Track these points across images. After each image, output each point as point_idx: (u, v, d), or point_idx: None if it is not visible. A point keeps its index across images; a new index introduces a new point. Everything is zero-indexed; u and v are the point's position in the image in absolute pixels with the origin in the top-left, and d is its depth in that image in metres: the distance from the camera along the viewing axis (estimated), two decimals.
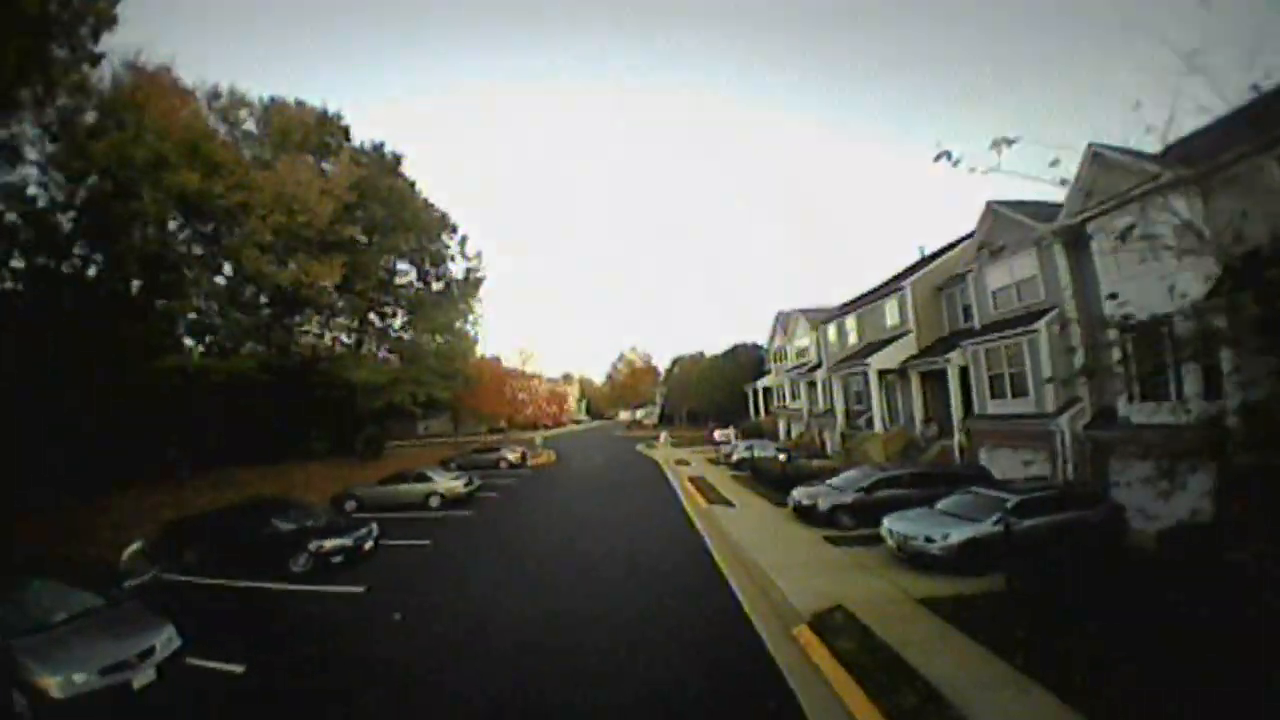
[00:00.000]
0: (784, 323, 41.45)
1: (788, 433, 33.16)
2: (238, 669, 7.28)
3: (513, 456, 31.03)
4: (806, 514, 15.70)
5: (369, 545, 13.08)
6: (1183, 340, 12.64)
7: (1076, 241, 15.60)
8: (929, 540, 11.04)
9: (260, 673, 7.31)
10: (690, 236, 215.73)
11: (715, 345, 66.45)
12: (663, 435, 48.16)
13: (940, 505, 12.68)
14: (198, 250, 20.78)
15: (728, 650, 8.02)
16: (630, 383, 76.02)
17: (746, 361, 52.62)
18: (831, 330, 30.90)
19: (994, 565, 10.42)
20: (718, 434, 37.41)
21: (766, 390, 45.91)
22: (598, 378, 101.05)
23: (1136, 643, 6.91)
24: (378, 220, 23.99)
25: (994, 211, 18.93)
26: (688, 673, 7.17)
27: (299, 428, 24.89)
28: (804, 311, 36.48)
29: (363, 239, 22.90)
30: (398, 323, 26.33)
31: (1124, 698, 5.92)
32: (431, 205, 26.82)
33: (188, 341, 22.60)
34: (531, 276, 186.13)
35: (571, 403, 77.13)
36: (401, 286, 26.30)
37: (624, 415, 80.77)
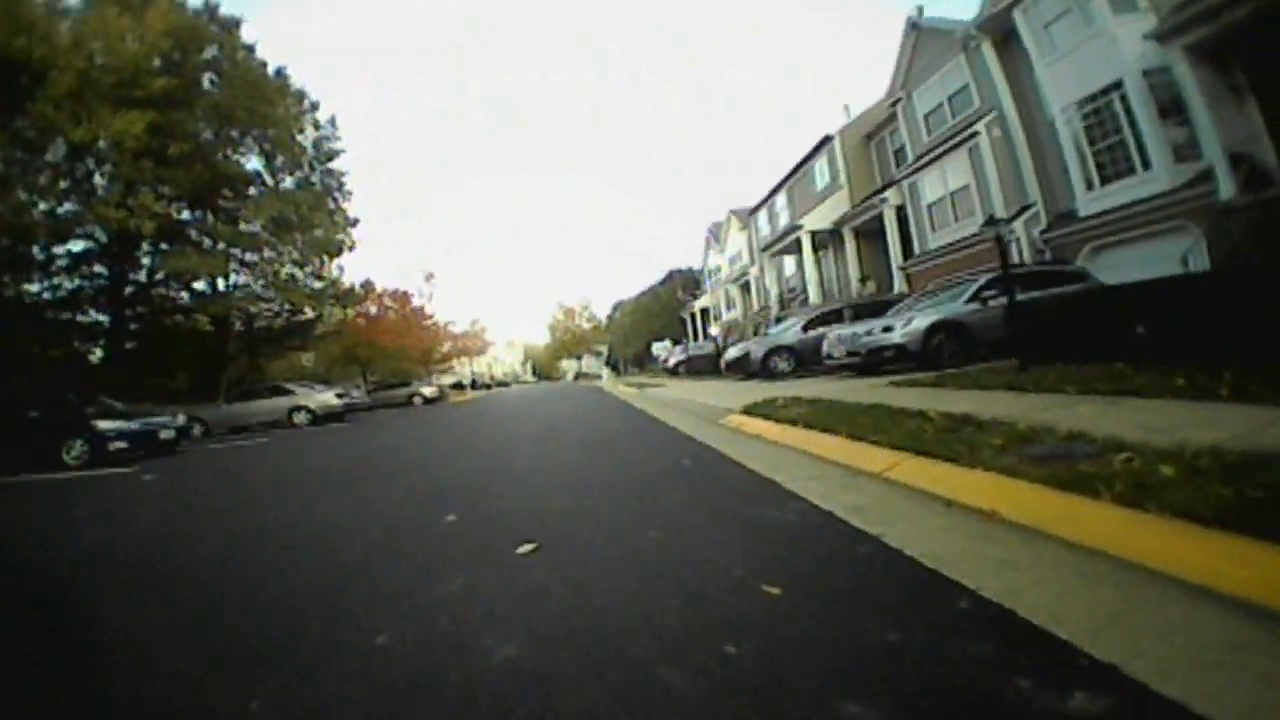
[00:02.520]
0: (715, 233, 38.98)
1: (728, 336, 31.11)
2: None
3: (428, 391, 27.16)
4: (739, 366, 13.23)
5: (167, 435, 10.00)
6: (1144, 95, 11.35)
7: (1005, 39, 14.10)
8: (887, 330, 8.60)
9: None
10: (620, 175, 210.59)
11: (654, 280, 62.65)
12: (605, 373, 45.92)
13: (895, 309, 10.41)
14: None
15: (644, 443, 5.34)
16: (570, 328, 72.19)
17: (683, 286, 50.05)
18: (763, 217, 28.55)
19: (974, 355, 8.14)
20: (655, 346, 34.80)
21: (704, 311, 43.48)
22: (541, 341, 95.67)
23: None
24: (201, 82, 19.45)
25: (914, 25, 16.86)
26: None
27: (153, 361, 20.57)
28: (734, 213, 33.91)
29: (179, 95, 18.10)
30: (252, 227, 21.42)
31: None
32: (278, 74, 21.81)
33: None
34: (467, 250, 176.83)
35: (492, 337, 71.63)
36: (244, 176, 21.35)
37: (567, 366, 76.97)
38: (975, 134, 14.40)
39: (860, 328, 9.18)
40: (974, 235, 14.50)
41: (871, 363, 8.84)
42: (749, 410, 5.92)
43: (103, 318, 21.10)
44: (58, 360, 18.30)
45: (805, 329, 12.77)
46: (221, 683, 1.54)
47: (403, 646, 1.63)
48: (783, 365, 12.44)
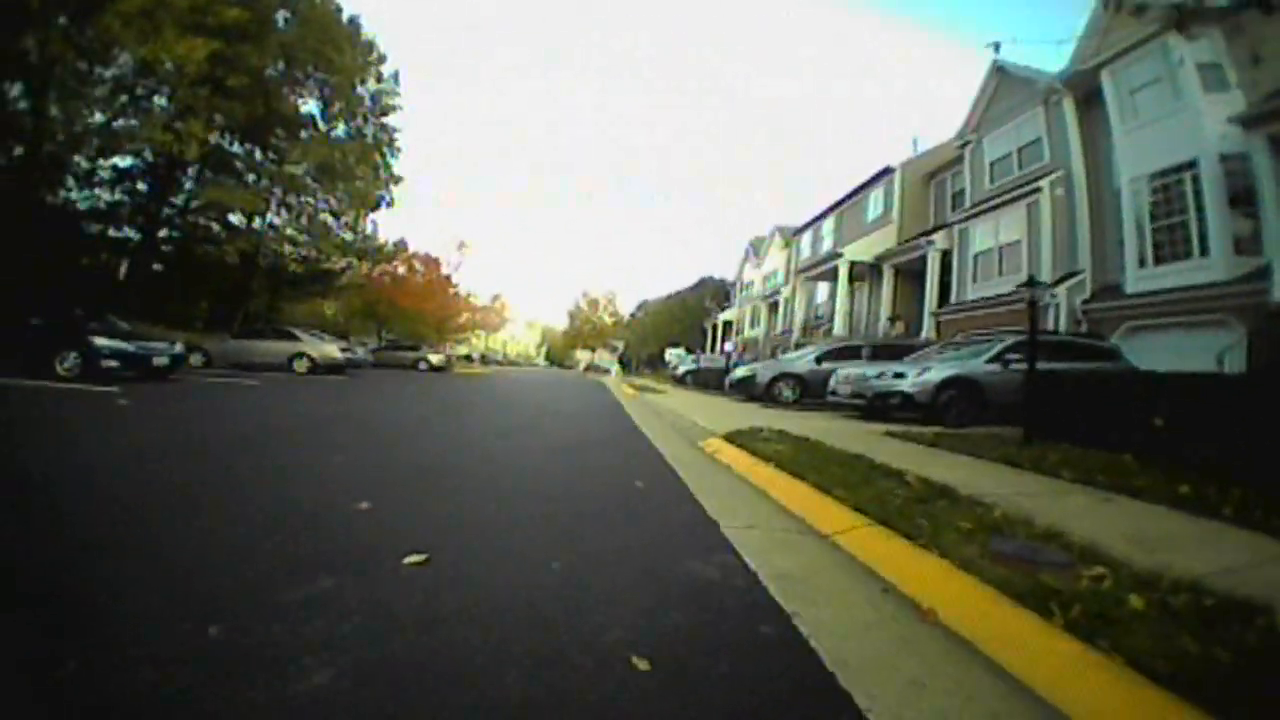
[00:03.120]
0: (756, 247, 38.41)
1: (742, 354, 30.58)
2: None
3: (435, 359, 27.36)
4: (744, 387, 12.91)
5: (162, 361, 10.01)
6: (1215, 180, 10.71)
7: (1088, 99, 13.62)
8: (898, 377, 8.25)
9: None
10: (667, 173, 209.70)
11: (684, 285, 61.38)
12: (614, 368, 45.76)
13: (913, 356, 10.03)
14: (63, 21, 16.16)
15: (611, 456, 5.15)
16: (591, 319, 72.08)
17: (712, 296, 49.33)
18: (806, 239, 28.07)
19: (983, 416, 7.77)
20: (669, 352, 34.48)
21: (727, 324, 42.77)
22: (559, 326, 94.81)
23: None
24: (274, 19, 19.62)
25: (1000, 69, 16.24)
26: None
27: (177, 286, 21.24)
28: (779, 229, 33.31)
29: (250, 29, 18.18)
30: (297, 169, 21.72)
31: None
32: (351, 21, 21.93)
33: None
34: (500, 224, 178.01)
35: (512, 315, 71.65)
36: (298, 119, 21.61)
37: (580, 356, 76.55)
38: (1038, 190, 13.87)
39: (871, 370, 8.83)
40: (1012, 293, 13.93)
41: (876, 407, 8.50)
42: (729, 437, 5.68)
43: (134, 235, 21.44)
44: (84, 271, 18.73)
45: (819, 360, 12.41)
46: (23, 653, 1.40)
47: (226, 645, 1.48)
48: (787, 393, 12.10)
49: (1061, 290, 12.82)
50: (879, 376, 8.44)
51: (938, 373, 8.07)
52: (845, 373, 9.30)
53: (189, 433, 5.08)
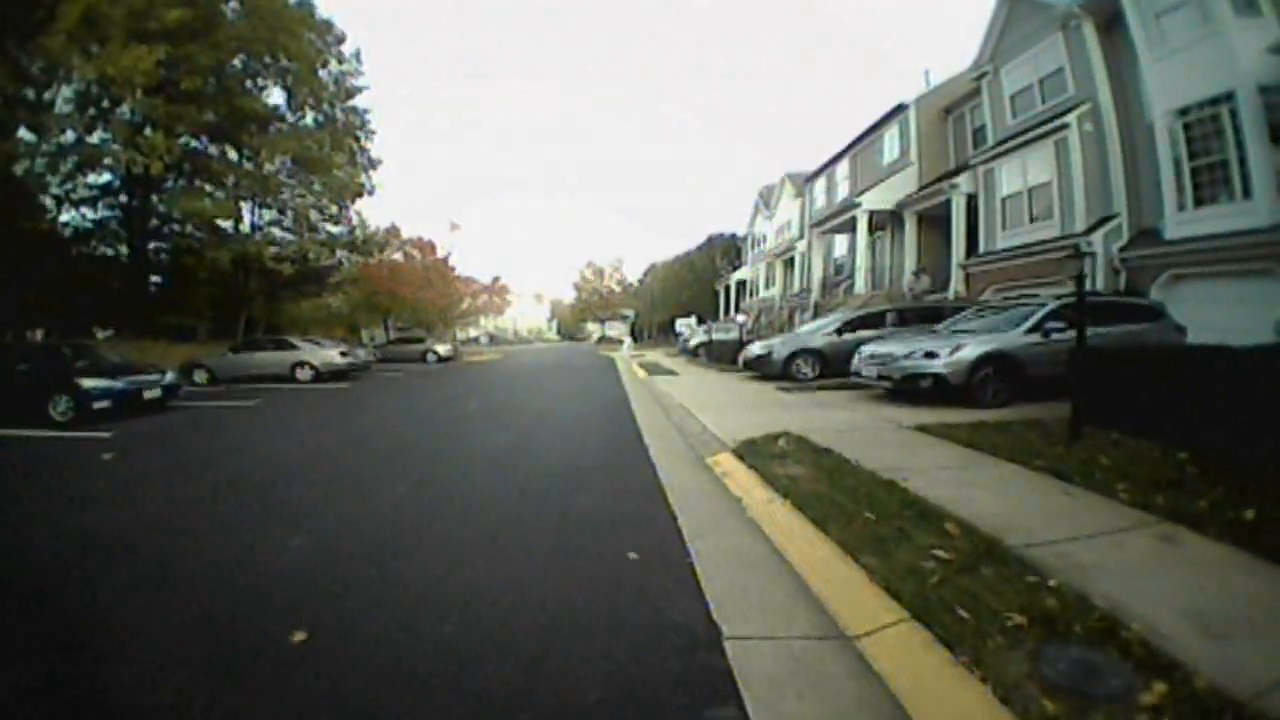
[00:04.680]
0: (766, 198, 36.78)
1: (757, 323, 29.65)
2: None
3: (442, 349, 26.80)
4: (759, 366, 12.30)
5: (154, 394, 9.74)
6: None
7: (1109, 24, 12.32)
8: (929, 356, 7.62)
9: None
10: (673, 129, 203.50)
11: (692, 245, 59.34)
12: (626, 341, 45.32)
13: (943, 326, 9.39)
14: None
15: (607, 498, 4.76)
16: (596, 290, 70.98)
17: (723, 253, 47.69)
18: (819, 186, 26.70)
19: (1028, 392, 7.20)
20: (679, 323, 33.77)
21: (740, 285, 41.32)
22: (568, 298, 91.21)
23: None
24: (222, 11, 18.77)
25: None
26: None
27: (173, 299, 21.16)
28: (790, 176, 31.54)
29: (196, 26, 17.41)
30: (273, 166, 21.07)
31: None
32: (301, 3, 20.81)
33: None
34: (504, 196, 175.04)
35: (519, 291, 70.79)
36: (263, 113, 20.86)
37: (591, 328, 75.54)
38: (1065, 126, 12.73)
39: (898, 347, 8.17)
40: (1045, 242, 12.98)
41: (904, 388, 7.94)
42: (742, 452, 5.16)
43: (124, 250, 21.06)
44: (77, 293, 18.51)
45: (839, 332, 11.75)
46: None
47: None
48: (806, 370, 11.48)
49: (1097, 237, 11.86)
50: (908, 356, 7.81)
51: (972, 349, 7.39)
52: (870, 352, 8.67)
53: (150, 508, 4.56)
